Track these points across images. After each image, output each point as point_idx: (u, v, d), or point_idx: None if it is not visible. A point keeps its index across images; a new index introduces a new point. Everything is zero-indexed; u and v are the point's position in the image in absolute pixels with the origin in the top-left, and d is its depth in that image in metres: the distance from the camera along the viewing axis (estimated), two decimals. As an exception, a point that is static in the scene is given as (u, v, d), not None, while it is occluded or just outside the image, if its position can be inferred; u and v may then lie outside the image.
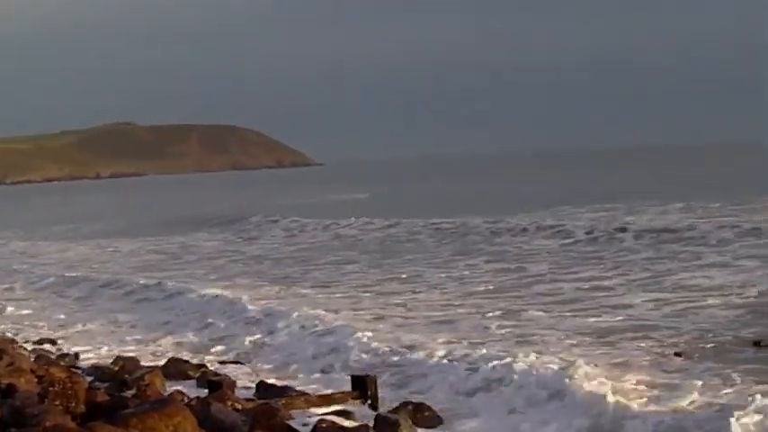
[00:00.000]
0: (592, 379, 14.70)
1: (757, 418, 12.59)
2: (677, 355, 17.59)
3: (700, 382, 14.86)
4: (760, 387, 14.52)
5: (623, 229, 39.07)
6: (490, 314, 22.55)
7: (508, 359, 16.04)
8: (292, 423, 12.80)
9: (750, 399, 13.24)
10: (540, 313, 22.38)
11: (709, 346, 18.26)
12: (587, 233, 39.29)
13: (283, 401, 14.17)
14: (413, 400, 14.41)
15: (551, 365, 15.53)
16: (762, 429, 12.50)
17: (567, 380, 14.59)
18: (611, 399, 13.72)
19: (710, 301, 22.81)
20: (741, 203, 49.96)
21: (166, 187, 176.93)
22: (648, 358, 17.37)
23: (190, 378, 17.27)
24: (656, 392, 14.50)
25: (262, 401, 14.09)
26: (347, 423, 13.09)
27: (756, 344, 18.27)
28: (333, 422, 13.07)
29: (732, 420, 12.54)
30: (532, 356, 16.27)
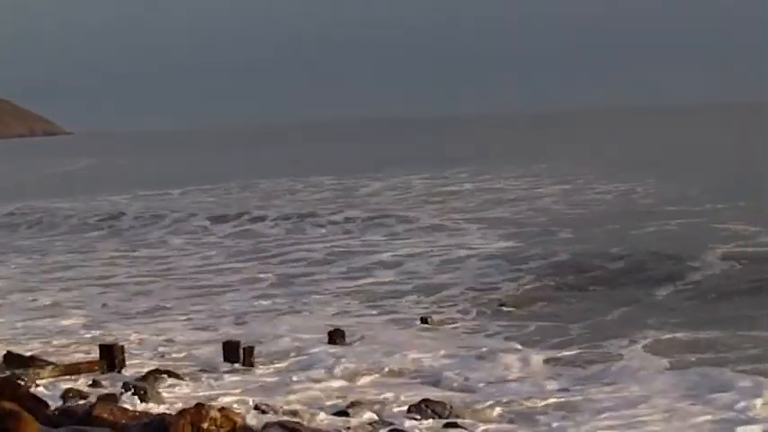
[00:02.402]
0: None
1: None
2: (424, 321, 18.71)
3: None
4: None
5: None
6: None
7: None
8: (40, 393, 12.90)
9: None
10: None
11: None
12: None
13: (31, 372, 14.25)
14: (160, 368, 14.75)
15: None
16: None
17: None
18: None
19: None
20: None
21: None
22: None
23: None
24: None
25: (8, 372, 14.10)
26: (95, 391, 13.35)
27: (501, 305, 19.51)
28: (80, 391, 13.30)
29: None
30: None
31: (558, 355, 15.85)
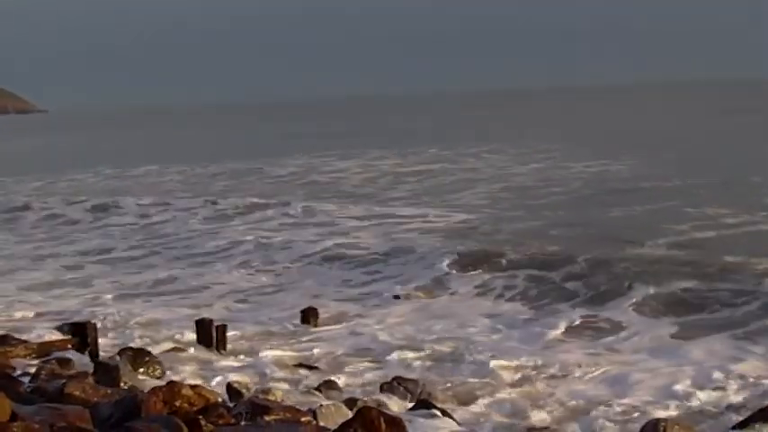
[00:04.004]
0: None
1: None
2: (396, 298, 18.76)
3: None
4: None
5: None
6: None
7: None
8: (12, 372, 12.90)
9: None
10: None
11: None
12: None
13: (2, 350, 14.24)
14: (133, 346, 14.75)
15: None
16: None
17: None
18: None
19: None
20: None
21: None
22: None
23: None
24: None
25: (-19, 352, 14.08)
26: (67, 370, 13.34)
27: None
28: (52, 370, 13.27)
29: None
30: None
31: (537, 328, 15.98)
